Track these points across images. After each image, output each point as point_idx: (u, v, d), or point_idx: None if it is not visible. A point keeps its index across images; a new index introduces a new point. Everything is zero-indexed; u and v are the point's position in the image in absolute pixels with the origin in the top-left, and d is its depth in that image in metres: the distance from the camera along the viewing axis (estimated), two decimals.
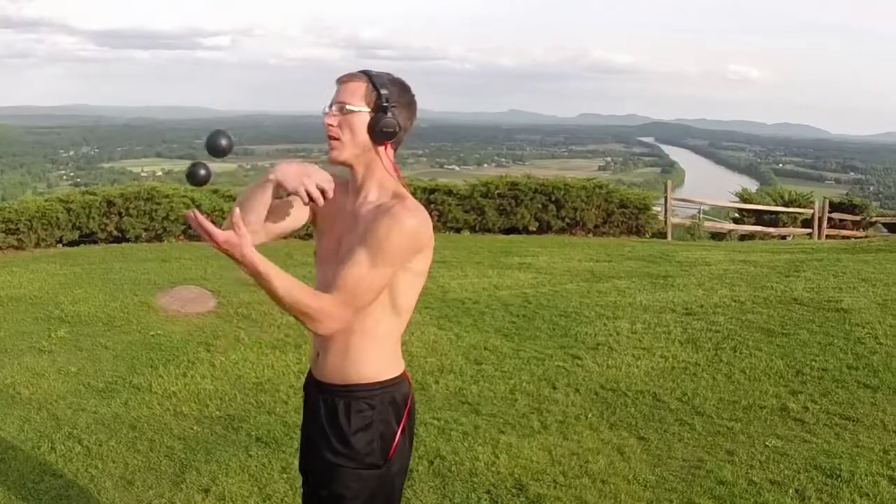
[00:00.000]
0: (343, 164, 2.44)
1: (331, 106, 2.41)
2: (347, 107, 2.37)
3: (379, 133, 2.38)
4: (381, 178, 2.44)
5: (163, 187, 15.51)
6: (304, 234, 14.86)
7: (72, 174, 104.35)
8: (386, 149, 2.43)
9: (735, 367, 6.49)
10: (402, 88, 2.44)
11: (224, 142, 2.37)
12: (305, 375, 2.68)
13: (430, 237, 2.40)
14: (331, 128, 2.39)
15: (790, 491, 4.38)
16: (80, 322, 8.03)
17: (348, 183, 2.50)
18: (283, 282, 2.25)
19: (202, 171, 2.37)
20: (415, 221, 2.31)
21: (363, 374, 2.45)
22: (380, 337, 2.45)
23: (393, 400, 2.49)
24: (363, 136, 2.38)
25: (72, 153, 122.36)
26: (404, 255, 2.32)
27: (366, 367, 2.45)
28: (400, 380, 2.52)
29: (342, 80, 2.43)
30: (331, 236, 2.52)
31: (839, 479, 4.49)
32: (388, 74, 2.44)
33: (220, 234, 2.14)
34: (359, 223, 2.38)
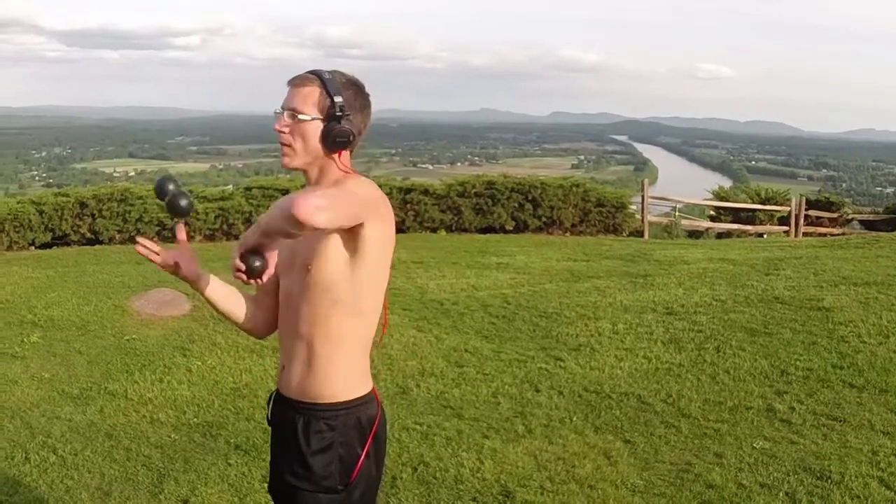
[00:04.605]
0: (295, 170, 2.34)
1: (283, 109, 2.30)
2: (299, 116, 2.27)
3: (332, 143, 2.27)
4: (336, 178, 2.32)
5: (136, 188, 15.33)
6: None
7: (44, 175, 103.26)
8: (340, 156, 2.31)
9: (719, 368, 6.44)
10: (357, 92, 2.33)
11: (184, 202, 2.26)
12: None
13: (380, 204, 2.26)
14: (282, 135, 2.29)
15: (780, 494, 4.33)
16: (53, 327, 7.88)
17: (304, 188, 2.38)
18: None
19: (183, 202, 2.26)
20: (361, 185, 2.26)
21: (326, 391, 2.33)
22: (345, 344, 2.32)
23: (357, 422, 2.35)
24: (315, 144, 2.28)
25: (44, 154, 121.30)
26: (352, 196, 2.19)
27: (330, 384, 2.33)
28: (366, 399, 2.38)
29: (294, 83, 2.31)
30: (283, 245, 2.33)
31: (829, 482, 4.44)
32: (343, 75, 2.32)
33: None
34: None
